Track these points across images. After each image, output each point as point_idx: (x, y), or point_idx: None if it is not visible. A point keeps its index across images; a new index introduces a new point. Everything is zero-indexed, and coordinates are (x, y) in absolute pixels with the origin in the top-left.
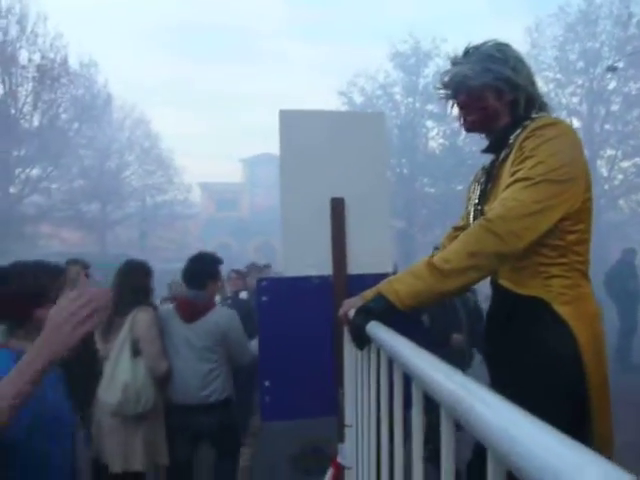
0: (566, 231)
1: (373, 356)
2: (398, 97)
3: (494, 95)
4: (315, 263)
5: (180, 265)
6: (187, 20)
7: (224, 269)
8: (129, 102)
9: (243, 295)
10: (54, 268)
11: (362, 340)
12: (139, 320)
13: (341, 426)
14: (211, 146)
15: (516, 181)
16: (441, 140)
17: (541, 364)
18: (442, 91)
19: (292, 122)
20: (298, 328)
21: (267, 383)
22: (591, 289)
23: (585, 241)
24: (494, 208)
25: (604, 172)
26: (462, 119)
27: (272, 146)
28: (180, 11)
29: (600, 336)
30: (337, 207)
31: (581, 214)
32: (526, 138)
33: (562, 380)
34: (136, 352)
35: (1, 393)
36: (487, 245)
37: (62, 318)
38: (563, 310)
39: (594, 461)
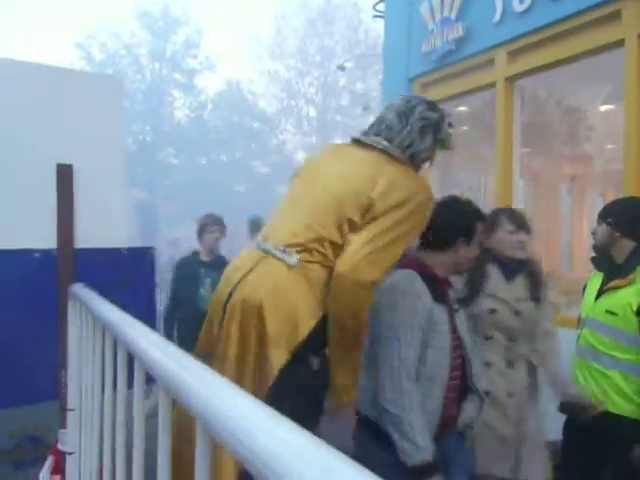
0: None
1: (98, 335)
2: (144, 60)
3: None
4: (38, 235)
5: None
6: None
7: None
8: None
9: None
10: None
11: None
12: None
13: (63, 410)
14: None
15: None
16: (187, 111)
17: None
18: None
19: (9, 75)
20: (15, 306)
21: None
22: None
23: None
24: None
25: None
26: None
27: None
28: None
29: None
30: (64, 174)
31: None
32: None
33: None
34: None
35: None
36: None
37: None
38: None
39: None
